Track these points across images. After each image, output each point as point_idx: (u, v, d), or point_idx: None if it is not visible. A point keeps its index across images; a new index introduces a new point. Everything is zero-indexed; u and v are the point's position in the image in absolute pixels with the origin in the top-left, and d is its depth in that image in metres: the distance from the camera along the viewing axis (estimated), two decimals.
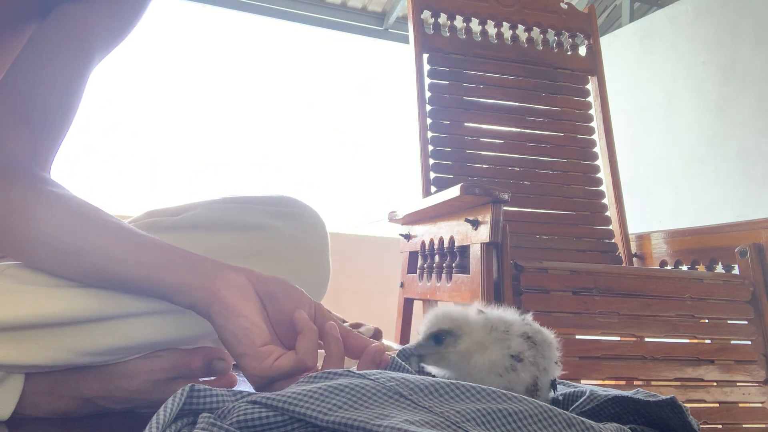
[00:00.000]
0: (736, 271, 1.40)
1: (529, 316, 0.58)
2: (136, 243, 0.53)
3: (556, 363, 0.56)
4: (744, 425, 1.27)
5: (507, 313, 0.58)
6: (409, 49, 1.78)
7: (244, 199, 0.66)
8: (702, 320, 1.31)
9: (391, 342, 1.19)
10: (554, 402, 0.56)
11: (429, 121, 1.70)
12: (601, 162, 1.83)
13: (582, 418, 0.44)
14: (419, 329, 0.57)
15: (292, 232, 0.65)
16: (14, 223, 0.54)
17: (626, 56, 2.97)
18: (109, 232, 0.53)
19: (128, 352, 0.56)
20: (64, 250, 0.53)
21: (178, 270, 0.51)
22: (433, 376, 0.59)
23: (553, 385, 0.56)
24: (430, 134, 1.68)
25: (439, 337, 0.55)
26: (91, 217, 0.54)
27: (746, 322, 1.33)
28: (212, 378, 0.61)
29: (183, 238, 0.59)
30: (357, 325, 1.10)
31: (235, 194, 0.68)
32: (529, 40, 1.88)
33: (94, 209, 0.56)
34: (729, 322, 1.33)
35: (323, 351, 0.53)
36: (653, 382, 1.24)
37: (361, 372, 0.46)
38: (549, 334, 0.57)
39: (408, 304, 1.66)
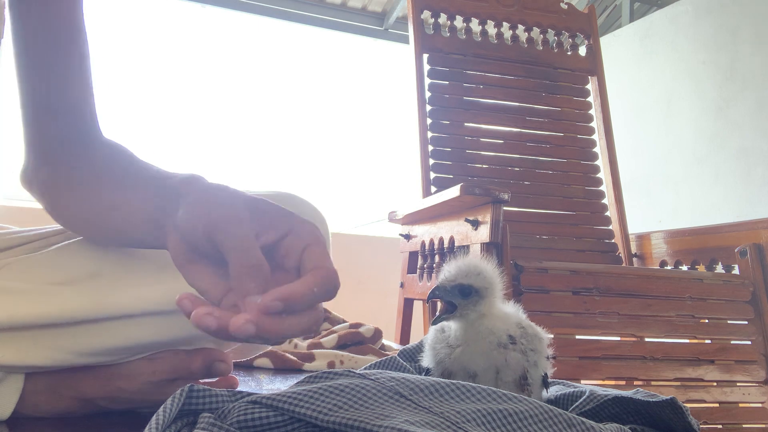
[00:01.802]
0: (736, 271, 1.40)
1: (522, 312, 0.59)
2: (137, 203, 0.50)
3: (547, 359, 0.56)
4: (744, 425, 1.27)
5: (505, 305, 0.59)
6: (409, 49, 1.78)
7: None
8: (702, 320, 1.31)
9: (391, 342, 1.19)
10: (554, 402, 0.56)
11: (429, 121, 1.70)
12: (601, 162, 1.83)
13: (582, 419, 0.44)
14: (445, 270, 0.57)
15: None
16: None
17: (626, 56, 2.97)
18: (125, 202, 0.52)
19: (128, 353, 0.56)
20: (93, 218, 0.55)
21: (150, 228, 0.48)
22: (429, 373, 0.59)
23: (545, 382, 0.56)
24: (430, 134, 1.68)
25: (467, 292, 0.55)
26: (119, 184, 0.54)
27: (746, 322, 1.33)
28: (214, 380, 0.61)
29: None
30: (357, 325, 1.10)
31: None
32: (529, 40, 1.88)
33: (127, 170, 0.55)
34: (729, 322, 1.33)
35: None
36: (653, 382, 1.24)
37: (361, 372, 0.46)
38: (540, 330, 0.58)
39: (408, 304, 1.66)
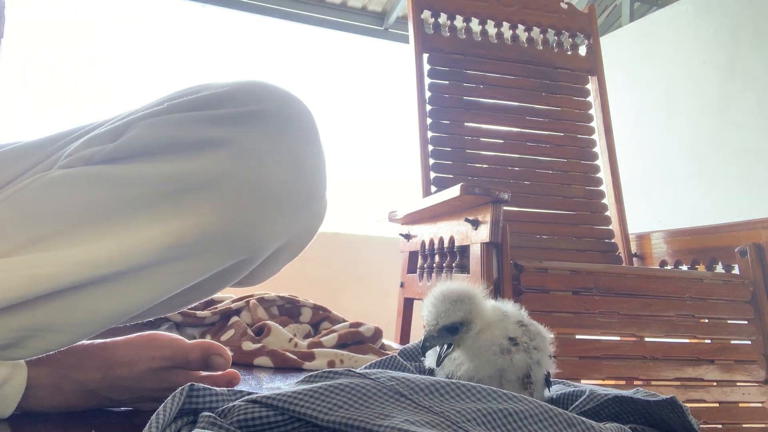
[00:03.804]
0: (736, 271, 1.40)
1: (523, 310, 0.60)
2: None
3: (549, 357, 0.57)
4: (744, 425, 1.27)
5: (504, 304, 0.60)
6: (409, 49, 1.78)
7: (195, 102, 0.52)
8: (702, 320, 1.31)
9: (391, 342, 1.19)
10: (554, 401, 0.57)
11: (429, 121, 1.70)
12: (601, 162, 1.83)
13: (582, 418, 0.44)
14: (426, 316, 0.57)
15: (260, 143, 0.51)
16: None
17: (626, 56, 2.97)
18: None
19: (97, 326, 0.51)
20: None
21: None
22: (433, 373, 0.59)
23: (547, 380, 0.57)
24: (430, 134, 1.68)
25: (453, 329, 0.56)
26: None
27: (746, 322, 1.33)
28: (217, 373, 0.61)
29: (125, 171, 0.50)
30: (357, 325, 1.10)
31: (185, 90, 0.55)
32: (529, 40, 1.88)
33: None
34: (729, 322, 1.33)
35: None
36: (653, 382, 1.24)
37: (361, 372, 0.46)
38: (543, 328, 0.58)
39: (408, 304, 1.66)
